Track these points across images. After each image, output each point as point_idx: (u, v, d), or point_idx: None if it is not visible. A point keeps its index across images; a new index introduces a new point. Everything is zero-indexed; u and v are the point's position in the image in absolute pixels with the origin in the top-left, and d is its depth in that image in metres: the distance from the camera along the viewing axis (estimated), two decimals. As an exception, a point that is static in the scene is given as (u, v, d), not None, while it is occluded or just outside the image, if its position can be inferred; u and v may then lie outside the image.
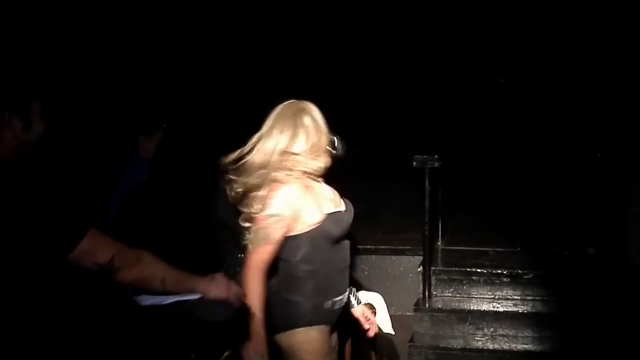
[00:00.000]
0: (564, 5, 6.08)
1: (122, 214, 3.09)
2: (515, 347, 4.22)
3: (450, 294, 4.62)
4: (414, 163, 4.54)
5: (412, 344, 4.27)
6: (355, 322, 2.94)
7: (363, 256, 4.90)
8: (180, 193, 2.94)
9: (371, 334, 3.00)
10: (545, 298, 4.44)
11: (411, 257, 4.80)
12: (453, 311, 4.45)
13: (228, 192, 2.59)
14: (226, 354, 2.70)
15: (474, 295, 4.57)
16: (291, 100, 2.67)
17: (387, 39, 6.23)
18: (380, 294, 4.25)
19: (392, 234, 5.34)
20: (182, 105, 5.57)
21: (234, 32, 6.17)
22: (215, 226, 2.95)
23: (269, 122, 2.60)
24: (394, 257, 4.91)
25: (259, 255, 2.52)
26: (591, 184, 5.27)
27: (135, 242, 2.08)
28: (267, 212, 2.50)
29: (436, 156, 4.54)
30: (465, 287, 4.60)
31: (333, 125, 6.16)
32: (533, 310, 4.37)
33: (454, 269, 4.74)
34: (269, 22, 6.20)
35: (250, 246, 2.54)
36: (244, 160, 2.54)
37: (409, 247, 4.89)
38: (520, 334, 4.28)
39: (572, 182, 5.96)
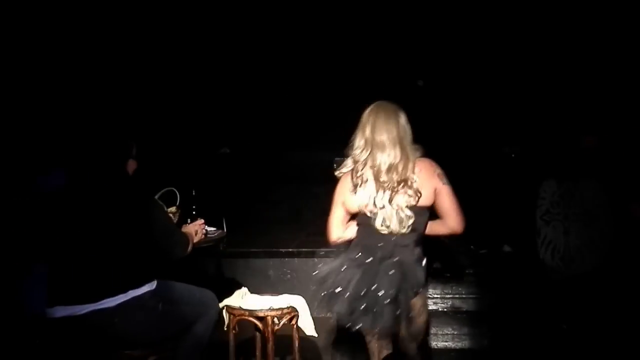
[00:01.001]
0: (473, 4, 6.25)
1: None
2: (436, 344, 4.29)
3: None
4: (334, 165, 4.56)
5: (335, 345, 4.27)
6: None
7: (285, 259, 4.89)
8: (95, 200, 2.85)
9: None
10: (463, 295, 4.55)
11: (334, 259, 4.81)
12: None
13: None
14: None
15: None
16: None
17: (301, 42, 6.24)
18: (303, 297, 4.24)
19: (314, 237, 5.34)
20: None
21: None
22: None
23: None
24: (316, 260, 4.91)
25: None
26: (506, 184, 5.45)
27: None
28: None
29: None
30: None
31: (254, 128, 6.13)
32: (452, 308, 4.46)
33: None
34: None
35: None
36: None
37: (331, 249, 4.89)
38: (440, 332, 4.36)
39: (488, 182, 6.15)
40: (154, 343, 2.95)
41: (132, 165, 3.07)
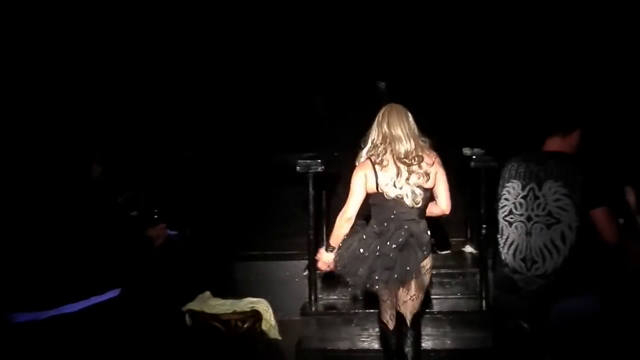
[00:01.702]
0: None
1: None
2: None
3: (335, 297, 4.66)
4: (298, 168, 4.57)
5: (299, 347, 4.26)
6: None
7: (250, 262, 4.86)
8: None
9: None
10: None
11: (297, 262, 4.81)
12: (339, 314, 4.50)
13: None
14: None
15: (358, 296, 4.64)
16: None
17: (258, 46, 6.24)
18: (267, 300, 4.23)
19: (277, 240, 5.33)
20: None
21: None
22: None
23: None
24: (280, 262, 4.90)
25: None
26: (467, 185, 5.51)
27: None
28: None
29: (319, 161, 4.60)
30: (350, 290, 4.66)
31: (218, 132, 6.06)
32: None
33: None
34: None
35: None
36: None
37: (294, 252, 4.89)
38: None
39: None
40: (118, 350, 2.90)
41: (96, 170, 3.02)
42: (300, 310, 4.47)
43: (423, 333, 4.27)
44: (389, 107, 3.53)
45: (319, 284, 4.61)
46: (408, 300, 3.54)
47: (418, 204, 3.41)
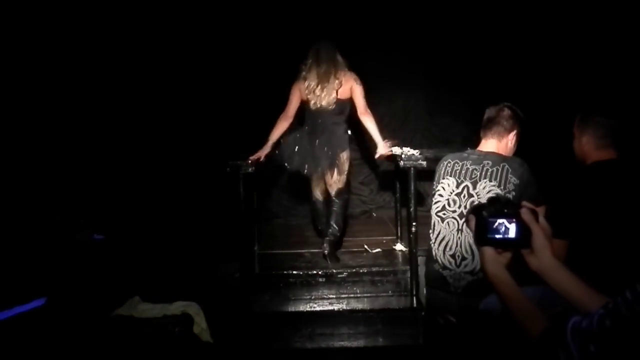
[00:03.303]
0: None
1: None
2: (332, 344, 4.33)
3: (269, 298, 4.65)
4: (228, 169, 4.54)
5: (233, 350, 4.22)
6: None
7: (180, 265, 4.77)
8: None
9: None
10: (358, 295, 4.63)
11: (229, 264, 4.76)
12: (272, 314, 4.48)
13: None
14: None
15: (291, 297, 4.64)
16: None
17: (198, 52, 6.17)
18: (200, 303, 4.16)
19: (208, 241, 5.26)
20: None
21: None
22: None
23: None
24: (211, 264, 4.85)
25: None
26: (397, 183, 5.58)
27: None
28: None
29: (249, 162, 4.58)
30: (283, 290, 4.66)
31: (145, 133, 5.94)
32: (348, 308, 4.51)
33: (271, 272, 4.78)
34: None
35: None
36: None
37: (227, 253, 4.85)
38: (336, 332, 4.39)
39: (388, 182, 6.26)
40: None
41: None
42: (233, 312, 4.43)
43: (355, 331, 4.33)
44: (319, 44, 4.80)
45: (251, 285, 4.59)
46: (332, 183, 4.86)
47: (332, 105, 4.69)
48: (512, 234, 1.52)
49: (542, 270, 1.53)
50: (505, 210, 1.53)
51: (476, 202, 3.14)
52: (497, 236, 1.53)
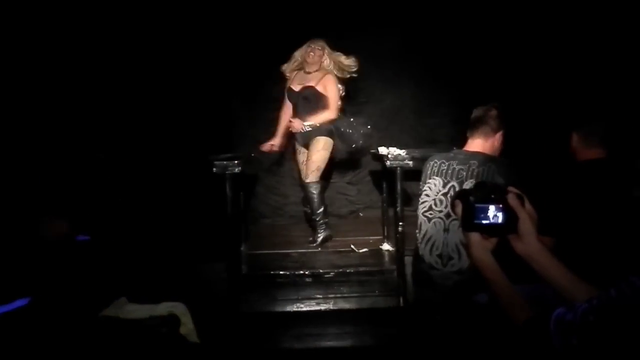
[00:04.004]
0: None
1: None
2: (320, 344, 4.32)
3: (256, 298, 4.63)
4: (214, 169, 4.52)
5: (220, 350, 4.21)
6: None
7: (166, 266, 4.74)
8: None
9: None
10: (345, 295, 4.63)
11: (216, 264, 4.75)
12: (260, 315, 4.47)
13: None
14: None
15: (279, 298, 4.63)
16: None
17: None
18: (186, 303, 4.14)
19: (195, 242, 5.24)
20: None
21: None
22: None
23: None
24: (198, 265, 4.82)
25: None
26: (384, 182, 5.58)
27: None
28: None
29: (236, 162, 4.56)
30: (270, 290, 4.65)
31: (132, 133, 5.87)
32: (335, 308, 4.51)
33: (258, 273, 4.77)
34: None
35: None
36: None
37: (214, 254, 4.83)
38: (324, 332, 4.39)
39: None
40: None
41: None
42: (220, 312, 4.42)
43: (342, 332, 4.33)
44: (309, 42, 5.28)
45: (239, 286, 4.57)
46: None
47: (306, 98, 5.18)
48: (499, 219, 1.53)
49: (528, 255, 1.54)
50: (492, 196, 1.53)
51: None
52: (484, 221, 1.53)
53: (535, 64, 6.08)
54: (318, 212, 5.28)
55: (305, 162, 5.27)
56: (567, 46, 5.92)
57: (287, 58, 5.45)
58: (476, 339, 2.70)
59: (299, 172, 5.56)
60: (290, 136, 5.48)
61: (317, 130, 5.18)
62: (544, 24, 6.02)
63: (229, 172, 4.54)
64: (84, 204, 5.12)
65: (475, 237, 1.55)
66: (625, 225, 2.61)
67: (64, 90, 5.85)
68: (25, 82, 5.57)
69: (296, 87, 5.29)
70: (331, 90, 5.18)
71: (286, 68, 5.43)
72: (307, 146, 5.28)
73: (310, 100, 5.21)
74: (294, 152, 5.64)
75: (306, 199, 5.46)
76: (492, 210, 1.52)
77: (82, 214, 4.62)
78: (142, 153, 6.01)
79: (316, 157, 5.18)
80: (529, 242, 1.53)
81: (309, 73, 5.28)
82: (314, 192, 5.24)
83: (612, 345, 1.26)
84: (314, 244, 5.28)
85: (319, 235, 5.31)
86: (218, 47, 6.32)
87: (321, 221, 5.33)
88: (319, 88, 5.18)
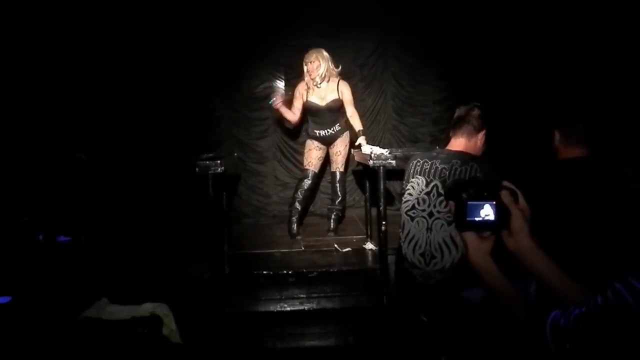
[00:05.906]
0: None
1: None
2: (303, 344, 4.33)
3: (239, 298, 4.62)
4: (197, 169, 4.50)
5: (203, 351, 4.19)
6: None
7: (148, 266, 4.72)
8: None
9: None
10: (329, 294, 4.63)
11: (199, 264, 4.73)
12: (243, 315, 4.46)
13: None
14: None
15: (262, 297, 4.62)
16: None
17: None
18: (169, 304, 4.12)
19: (177, 242, 5.22)
20: None
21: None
22: None
23: None
24: (180, 265, 4.80)
25: None
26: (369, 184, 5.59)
27: None
28: None
29: (219, 161, 4.54)
30: (253, 290, 4.64)
31: (113, 133, 5.84)
32: (318, 307, 4.51)
33: (241, 272, 4.76)
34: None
35: None
36: None
37: (196, 254, 4.81)
38: (307, 331, 4.40)
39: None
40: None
41: None
42: (203, 312, 4.40)
43: (325, 331, 4.33)
44: (310, 49, 5.51)
45: (221, 286, 4.56)
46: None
47: (332, 110, 5.49)
48: (491, 216, 1.51)
49: (519, 251, 1.53)
50: (485, 193, 1.52)
51: (445, 202, 3.16)
52: (477, 219, 1.51)
53: (518, 63, 6.13)
54: (341, 200, 5.78)
55: (335, 155, 5.69)
56: (551, 45, 5.97)
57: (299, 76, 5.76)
58: (469, 336, 2.71)
59: (302, 165, 5.91)
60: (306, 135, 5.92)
61: (342, 129, 5.62)
62: (527, 24, 6.07)
63: (211, 172, 4.51)
64: (65, 204, 5.08)
65: (471, 239, 1.53)
66: (605, 225, 2.64)
67: (45, 91, 5.80)
68: (6, 83, 5.51)
69: (320, 102, 5.52)
70: (347, 92, 5.52)
71: (302, 87, 5.62)
72: (327, 144, 5.68)
73: (334, 110, 5.54)
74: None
75: (332, 189, 5.87)
76: (484, 207, 1.51)
77: (63, 214, 4.59)
78: (124, 153, 5.97)
79: (345, 151, 5.67)
80: (520, 239, 1.52)
81: (321, 86, 5.51)
82: (344, 180, 5.83)
83: (601, 354, 1.26)
84: (332, 234, 5.73)
85: (332, 224, 5.79)
86: (199, 47, 6.30)
87: (341, 208, 5.85)
88: (339, 96, 5.51)
